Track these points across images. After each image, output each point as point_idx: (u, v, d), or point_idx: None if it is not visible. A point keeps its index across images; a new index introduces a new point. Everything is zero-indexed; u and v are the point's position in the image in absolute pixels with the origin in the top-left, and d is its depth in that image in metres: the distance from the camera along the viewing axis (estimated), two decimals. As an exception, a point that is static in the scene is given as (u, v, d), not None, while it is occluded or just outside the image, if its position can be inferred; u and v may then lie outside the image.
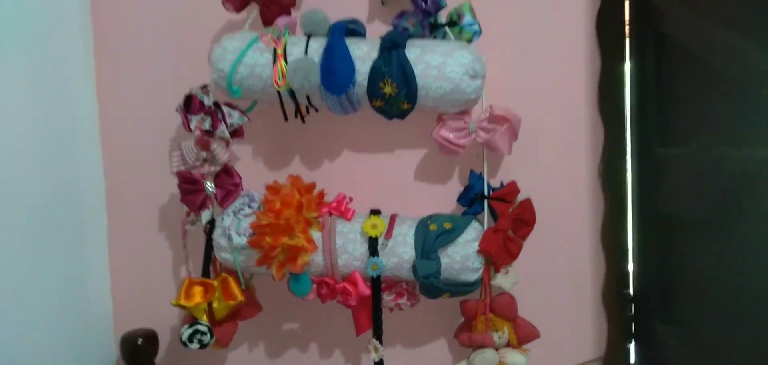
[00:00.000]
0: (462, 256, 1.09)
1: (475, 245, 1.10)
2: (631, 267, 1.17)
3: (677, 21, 1.00)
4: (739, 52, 0.82)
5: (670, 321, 1.07)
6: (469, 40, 1.11)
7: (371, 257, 1.10)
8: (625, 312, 1.17)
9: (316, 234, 1.11)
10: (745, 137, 0.84)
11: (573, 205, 1.21)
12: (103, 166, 1.30)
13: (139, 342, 1.26)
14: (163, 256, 1.31)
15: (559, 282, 1.22)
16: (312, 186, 1.15)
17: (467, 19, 1.11)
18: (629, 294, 1.17)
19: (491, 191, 1.14)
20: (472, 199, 1.15)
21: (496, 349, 1.12)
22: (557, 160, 1.20)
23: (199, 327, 1.14)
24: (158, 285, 1.31)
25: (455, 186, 1.22)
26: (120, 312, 1.33)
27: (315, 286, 1.13)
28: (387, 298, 1.14)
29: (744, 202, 0.84)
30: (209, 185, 1.15)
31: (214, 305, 1.15)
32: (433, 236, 1.08)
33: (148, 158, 1.28)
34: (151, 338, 1.28)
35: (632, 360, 1.18)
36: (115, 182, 1.30)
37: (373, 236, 1.10)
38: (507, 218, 1.10)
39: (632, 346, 1.17)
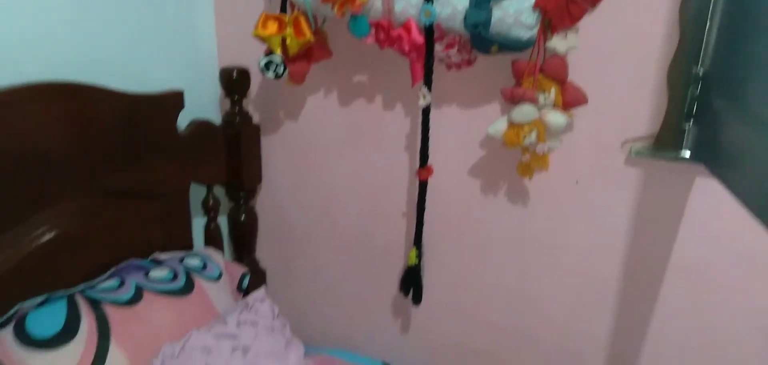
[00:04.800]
0: (516, 10, 1.08)
1: (532, 1, 1.08)
2: (704, 44, 1.07)
3: None
4: None
5: (736, 104, 1.00)
6: None
7: (425, 4, 1.13)
8: (689, 90, 1.10)
9: (375, -22, 1.16)
10: None
11: (654, -28, 1.10)
12: None
13: (234, 76, 1.48)
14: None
15: (622, 53, 1.16)
16: (375, -70, 1.17)
17: None
18: (698, 73, 1.09)
19: (558, -55, 1.08)
20: (536, -48, 1.10)
21: (539, 109, 1.14)
22: None
23: (274, 58, 1.29)
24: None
25: (525, -57, 1.16)
26: (223, 50, 1.55)
27: (373, 30, 1.21)
28: (439, 48, 1.19)
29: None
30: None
31: (288, 41, 1.28)
32: (485, -15, 1.08)
33: None
34: (244, 73, 1.49)
35: (686, 141, 1.13)
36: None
37: (429, -17, 1.12)
38: (569, -26, 1.06)
39: (689, 126, 1.12)
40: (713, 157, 1.07)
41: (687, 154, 1.13)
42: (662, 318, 1.28)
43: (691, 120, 1.11)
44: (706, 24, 1.07)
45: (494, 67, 1.24)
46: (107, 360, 0.98)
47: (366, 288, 1.62)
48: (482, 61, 1.24)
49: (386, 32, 1.19)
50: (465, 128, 1.33)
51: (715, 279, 1.21)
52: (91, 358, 0.97)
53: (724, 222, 1.16)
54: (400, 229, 1.51)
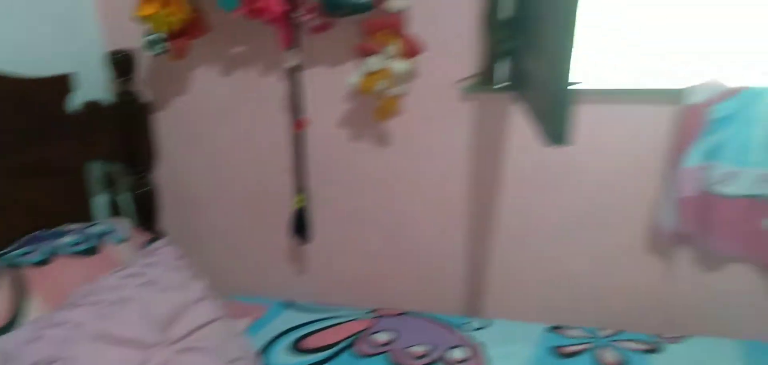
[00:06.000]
0: (356, -20, 1.33)
1: (369, -28, 1.32)
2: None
3: None
4: None
5: (528, 40, 1.31)
6: None
7: (283, -21, 1.34)
8: (496, 33, 1.40)
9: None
10: None
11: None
12: None
13: (120, 57, 1.60)
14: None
15: (448, 7, 1.44)
16: None
17: None
18: (501, 19, 1.40)
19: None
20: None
21: (386, 59, 1.40)
22: None
23: (156, 36, 1.45)
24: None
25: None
26: (110, 33, 1.67)
27: (240, 3, 1.40)
28: (298, 14, 1.40)
29: None
30: None
31: (167, 19, 1.44)
32: (331, -39, 1.31)
33: None
34: (128, 55, 1.62)
35: (500, 76, 1.44)
36: None
37: (285, -39, 1.34)
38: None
39: (500, 64, 1.43)
40: (518, 85, 1.39)
41: (501, 86, 1.44)
42: (501, 219, 1.61)
43: (502, 58, 1.43)
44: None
45: (351, 29, 1.48)
46: (30, 306, 1.13)
47: (262, 239, 1.82)
48: (340, 24, 1.47)
49: (251, 4, 1.39)
50: (333, 83, 1.57)
51: (533, 184, 1.55)
52: (16, 305, 1.11)
53: (532, 137, 1.50)
54: (287, 181, 1.72)
